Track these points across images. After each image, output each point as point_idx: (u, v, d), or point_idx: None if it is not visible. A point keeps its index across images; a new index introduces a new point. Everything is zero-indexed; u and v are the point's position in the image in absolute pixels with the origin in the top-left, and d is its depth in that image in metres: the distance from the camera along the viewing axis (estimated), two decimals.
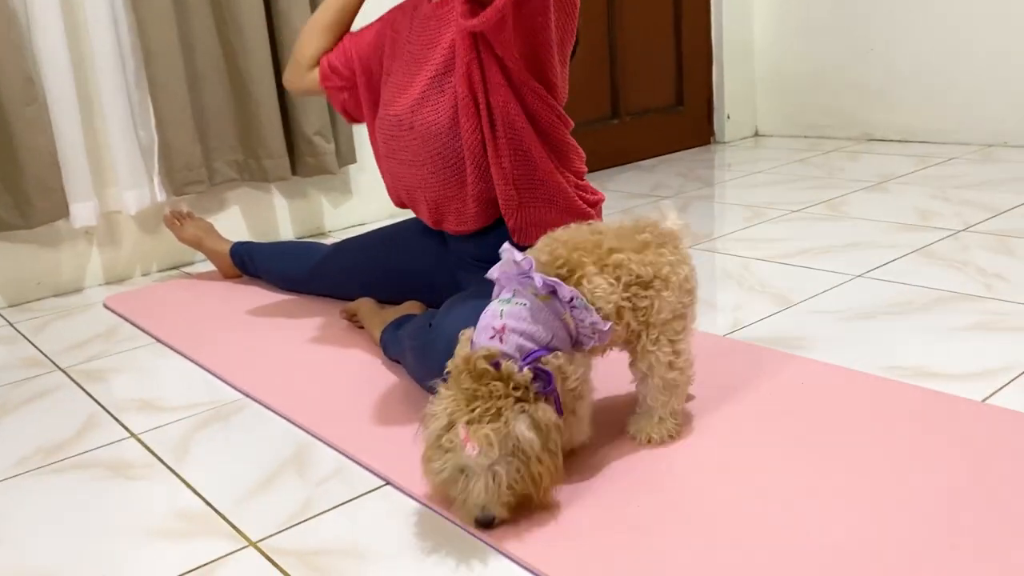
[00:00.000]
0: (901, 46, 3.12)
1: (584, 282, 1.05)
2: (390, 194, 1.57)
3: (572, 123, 1.39)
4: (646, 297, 1.08)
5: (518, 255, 1.05)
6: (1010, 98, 2.90)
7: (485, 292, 1.31)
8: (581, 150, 1.45)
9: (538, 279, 1.02)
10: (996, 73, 2.91)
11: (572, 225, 1.14)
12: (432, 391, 1.22)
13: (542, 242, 1.12)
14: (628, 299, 1.07)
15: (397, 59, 1.48)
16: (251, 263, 2.00)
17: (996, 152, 2.85)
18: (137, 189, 2.14)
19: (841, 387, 1.26)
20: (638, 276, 1.07)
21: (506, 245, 1.07)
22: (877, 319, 1.52)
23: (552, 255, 1.08)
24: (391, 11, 1.53)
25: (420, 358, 1.28)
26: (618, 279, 1.06)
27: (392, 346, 1.47)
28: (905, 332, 1.45)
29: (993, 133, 2.96)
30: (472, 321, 1.18)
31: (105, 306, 2.00)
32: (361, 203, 2.59)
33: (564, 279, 1.05)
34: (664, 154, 3.38)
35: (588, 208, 1.41)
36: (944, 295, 1.60)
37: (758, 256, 1.95)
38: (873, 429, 1.13)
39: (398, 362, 1.47)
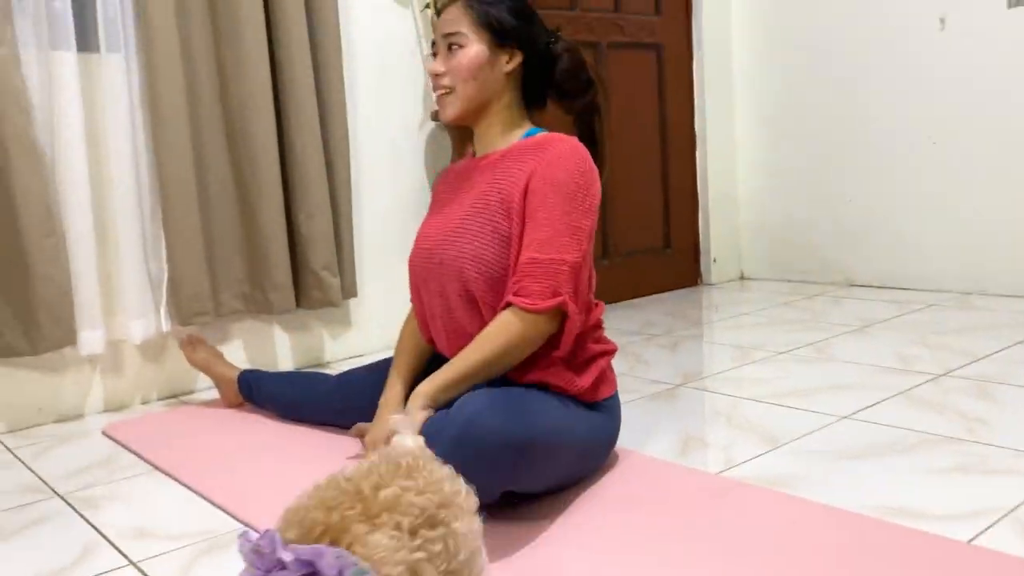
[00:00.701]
0: (878, 197, 3.29)
1: (357, 547, 0.80)
2: (421, 329, 1.66)
3: (595, 283, 1.54)
4: (439, 539, 0.83)
5: (252, 535, 0.82)
6: (985, 247, 3.04)
7: (497, 390, 1.38)
8: (602, 304, 1.57)
9: (287, 556, 0.78)
10: (970, 225, 3.07)
11: (315, 486, 0.91)
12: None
13: (287, 513, 0.87)
14: (420, 548, 0.82)
15: (435, 208, 1.65)
16: (257, 391, 2.04)
17: (972, 300, 2.96)
18: (144, 318, 2.20)
19: (830, 526, 1.29)
20: (422, 510, 0.84)
21: (242, 531, 0.86)
22: (863, 460, 1.56)
23: (304, 525, 0.83)
24: (435, 182, 1.73)
25: (433, 440, 1.28)
26: (399, 526, 0.82)
27: None
28: (890, 473, 1.50)
29: (969, 281, 3.08)
30: (488, 404, 1.27)
31: (104, 433, 2.03)
32: (359, 335, 2.66)
33: None
34: (652, 294, 3.49)
35: (599, 354, 1.51)
36: (927, 437, 1.65)
37: (747, 396, 2.00)
38: (863, 569, 1.16)
39: None
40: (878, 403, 1.88)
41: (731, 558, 1.21)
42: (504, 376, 1.48)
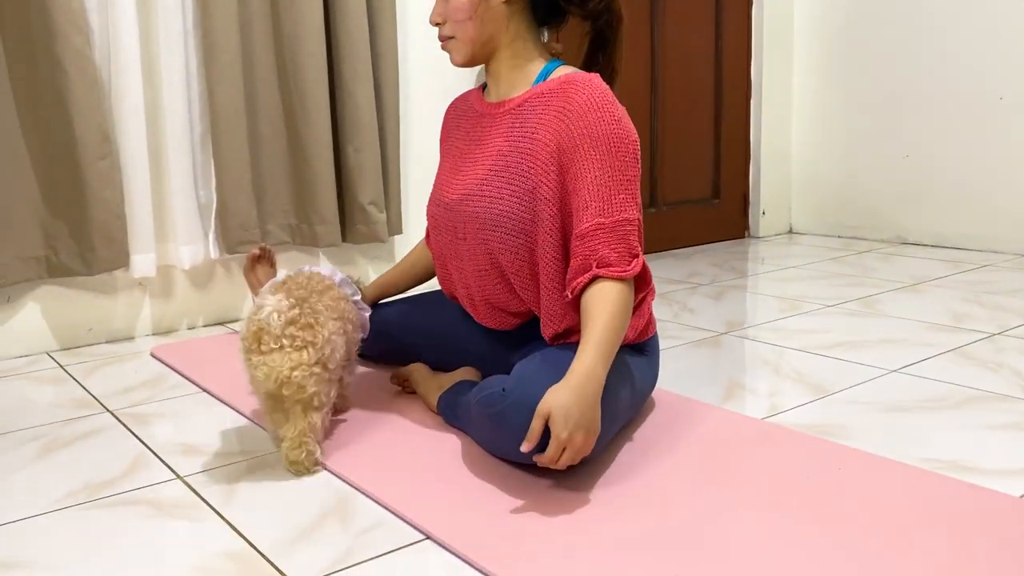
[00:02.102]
0: (936, 153, 3.19)
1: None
2: (438, 271, 1.65)
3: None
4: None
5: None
6: None
7: (551, 355, 1.35)
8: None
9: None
10: None
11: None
12: (508, 458, 1.27)
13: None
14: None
15: (450, 155, 1.58)
16: None
17: None
18: (192, 245, 2.22)
19: (878, 475, 1.27)
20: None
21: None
22: (913, 413, 1.54)
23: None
24: (445, 115, 1.65)
25: (497, 425, 1.28)
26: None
27: (453, 412, 1.50)
28: (941, 427, 1.47)
29: None
30: (549, 382, 1.23)
31: (152, 355, 2.06)
32: None
33: None
34: (699, 244, 3.44)
35: (641, 299, 1.48)
36: (979, 394, 1.62)
37: (792, 346, 1.98)
38: (911, 518, 1.14)
39: (460, 428, 1.49)
40: (929, 358, 1.85)
41: (773, 500, 1.20)
42: (541, 337, 1.47)
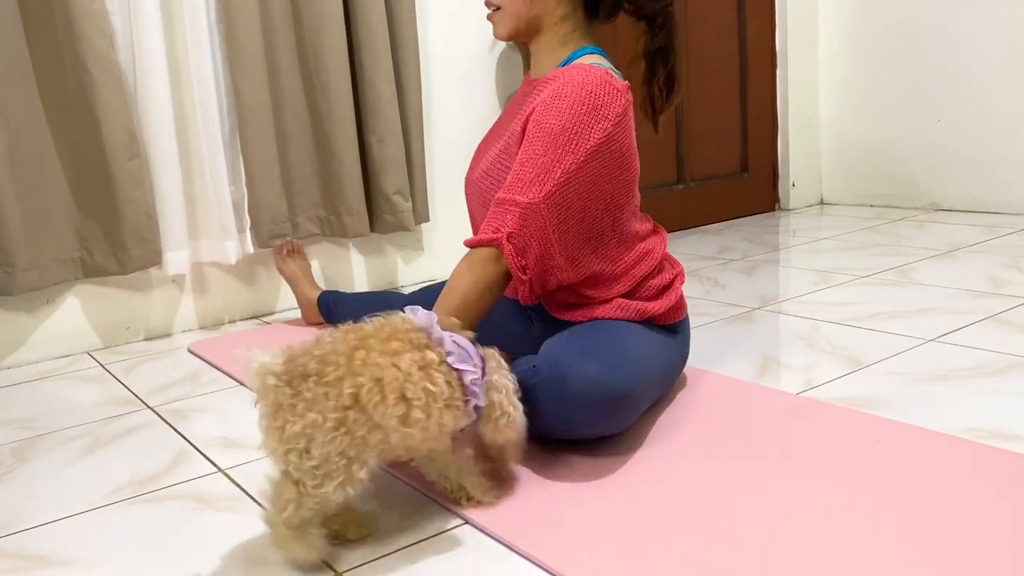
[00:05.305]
0: (968, 117, 3.13)
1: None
2: None
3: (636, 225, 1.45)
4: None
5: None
6: None
7: (579, 330, 1.35)
8: (662, 231, 1.52)
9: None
10: None
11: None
12: (540, 435, 1.29)
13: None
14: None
15: (493, 129, 1.61)
16: (335, 311, 2.08)
17: None
18: (226, 241, 2.25)
19: (918, 446, 1.26)
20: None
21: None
22: (952, 382, 1.52)
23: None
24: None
25: (528, 402, 1.27)
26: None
27: None
28: (981, 395, 1.45)
29: None
30: (578, 358, 1.24)
31: (190, 351, 2.09)
32: (433, 260, 2.67)
33: None
34: (728, 219, 3.41)
35: (668, 283, 1.48)
36: (1020, 360, 1.59)
37: (827, 319, 1.96)
38: (954, 489, 1.13)
39: None
40: (967, 326, 1.82)
41: (813, 475, 1.19)
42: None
